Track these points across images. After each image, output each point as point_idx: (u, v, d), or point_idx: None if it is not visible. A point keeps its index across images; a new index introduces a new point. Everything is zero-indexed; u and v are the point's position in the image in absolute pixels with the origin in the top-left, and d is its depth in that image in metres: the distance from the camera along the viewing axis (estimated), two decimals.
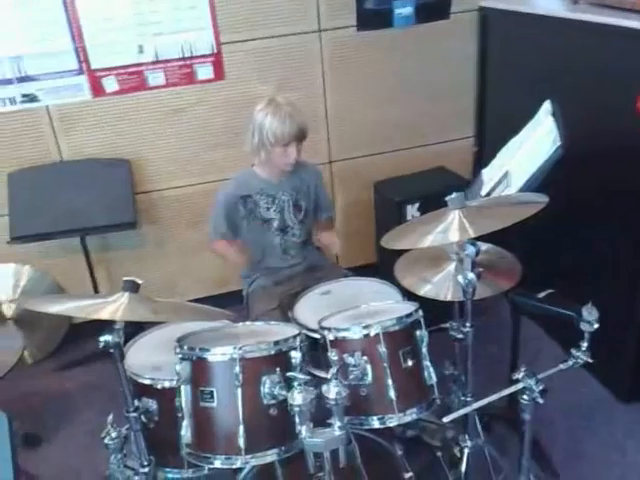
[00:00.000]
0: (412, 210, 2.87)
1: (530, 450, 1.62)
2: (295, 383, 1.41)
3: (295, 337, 1.57)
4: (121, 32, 2.82)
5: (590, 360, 1.53)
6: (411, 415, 1.60)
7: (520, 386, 1.51)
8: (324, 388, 1.40)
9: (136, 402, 1.62)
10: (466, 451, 1.86)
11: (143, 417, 1.65)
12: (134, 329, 1.81)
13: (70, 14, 2.73)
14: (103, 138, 2.98)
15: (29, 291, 3.18)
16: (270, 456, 1.53)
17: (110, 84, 2.91)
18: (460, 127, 3.47)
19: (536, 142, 1.87)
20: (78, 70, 2.84)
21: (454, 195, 1.60)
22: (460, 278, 1.62)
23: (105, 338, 1.50)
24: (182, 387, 1.54)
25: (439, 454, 2.02)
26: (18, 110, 2.84)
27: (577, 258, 2.52)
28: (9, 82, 2.78)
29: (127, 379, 1.56)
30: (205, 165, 3.14)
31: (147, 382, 1.71)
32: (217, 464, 1.52)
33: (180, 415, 1.55)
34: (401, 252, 1.96)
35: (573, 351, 1.54)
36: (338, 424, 1.41)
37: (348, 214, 3.40)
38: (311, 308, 2.06)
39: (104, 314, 1.46)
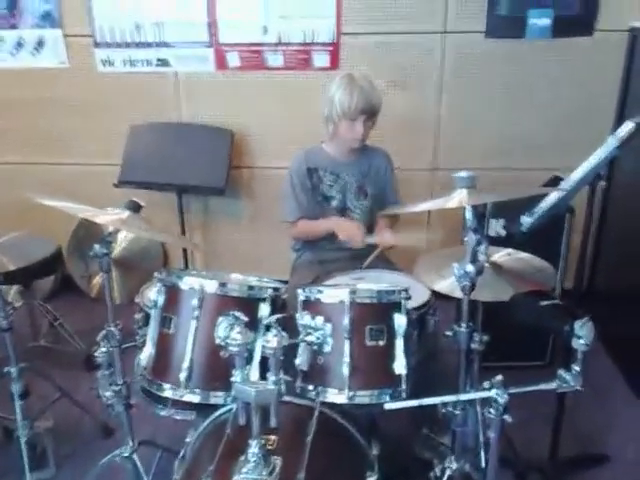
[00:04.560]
0: (496, 225, 2.63)
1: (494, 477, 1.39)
2: (236, 324, 1.37)
3: (269, 289, 1.53)
4: (250, 11, 3.01)
5: (580, 387, 1.28)
6: (363, 398, 1.46)
7: (485, 395, 1.31)
8: (263, 338, 1.34)
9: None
10: (447, 473, 1.65)
11: None
12: None
13: None
14: (218, 108, 3.20)
15: (134, 240, 3.49)
16: (214, 398, 1.50)
17: (233, 59, 3.11)
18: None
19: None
20: (208, 43, 3.09)
21: (463, 174, 1.45)
22: (455, 267, 1.46)
23: (95, 246, 1.60)
24: (152, 311, 1.58)
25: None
26: (152, 72, 3.17)
27: None
28: (149, 45, 3.11)
29: (110, 289, 1.64)
30: None
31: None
32: (167, 393, 1.53)
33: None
34: None
35: (561, 372, 1.30)
36: (272, 378, 1.34)
37: (441, 224, 3.24)
38: None
39: (98, 219, 1.56)
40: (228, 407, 1.66)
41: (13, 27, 3.11)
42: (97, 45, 3.12)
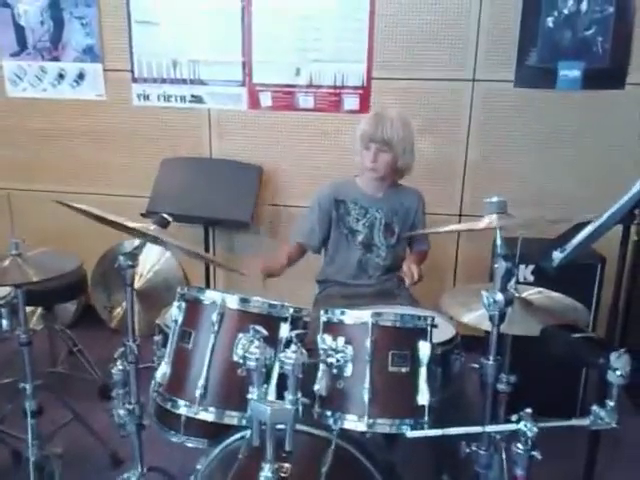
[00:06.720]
0: (525, 272, 2.58)
1: None
2: (256, 339, 1.33)
3: (291, 308, 1.49)
4: (284, 54, 3.10)
5: (615, 424, 1.21)
6: (384, 426, 1.40)
7: (512, 427, 1.24)
8: (282, 354, 1.30)
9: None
10: None
11: None
12: None
13: (245, 31, 3.08)
14: (248, 146, 3.25)
15: (158, 272, 3.51)
16: (229, 418, 1.45)
17: (265, 99, 3.18)
18: None
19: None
20: (241, 82, 3.17)
21: (494, 198, 1.43)
22: (484, 295, 1.41)
23: (120, 258, 1.59)
24: (172, 325, 1.55)
25: None
26: (185, 107, 3.25)
27: None
28: (184, 82, 3.21)
29: (132, 304, 1.62)
30: None
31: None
32: (182, 410, 1.48)
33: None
34: None
35: (595, 408, 1.23)
36: (290, 397, 1.30)
37: (468, 269, 3.20)
38: None
39: (128, 224, 1.57)
40: (240, 434, 1.61)
41: (56, 59, 3.24)
42: (135, 80, 3.22)
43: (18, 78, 3.30)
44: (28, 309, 2.09)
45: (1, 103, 3.40)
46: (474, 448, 1.52)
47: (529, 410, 1.26)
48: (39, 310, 2.98)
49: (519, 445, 1.25)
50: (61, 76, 3.26)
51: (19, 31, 3.23)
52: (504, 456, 1.69)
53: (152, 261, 3.53)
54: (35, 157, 3.46)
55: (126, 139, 3.34)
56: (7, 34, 3.24)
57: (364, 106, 3.11)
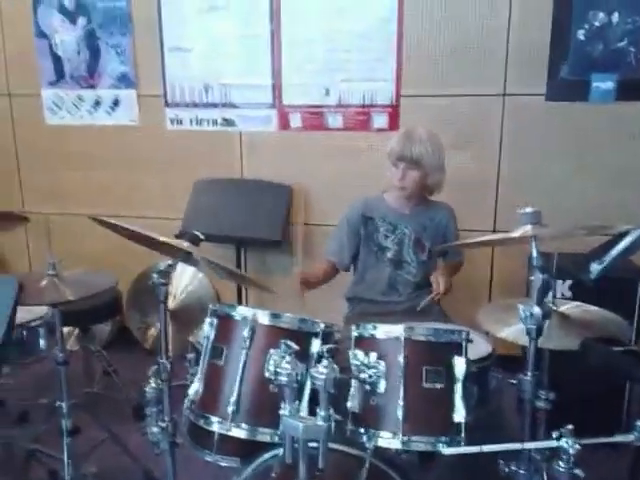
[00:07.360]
0: (562, 288, 2.52)
1: None
2: (287, 354, 1.33)
3: (322, 324, 1.48)
4: (313, 75, 3.13)
5: None
6: (419, 444, 1.36)
7: (554, 444, 1.20)
8: (313, 369, 1.29)
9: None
10: None
11: None
12: None
13: (275, 54, 3.13)
14: (278, 166, 3.27)
15: (191, 292, 3.53)
16: (261, 435, 1.44)
17: (295, 120, 3.21)
18: None
19: None
20: (271, 104, 3.21)
21: (528, 209, 1.41)
22: (520, 308, 1.38)
23: (154, 276, 1.61)
24: (204, 342, 1.56)
25: None
26: (217, 130, 3.30)
27: None
28: (215, 106, 3.26)
29: (165, 321, 1.63)
30: None
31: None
32: (215, 427, 1.47)
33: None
34: None
35: (639, 424, 1.18)
36: (322, 414, 1.28)
37: (503, 285, 3.14)
38: None
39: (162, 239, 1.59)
40: (272, 453, 1.59)
41: (92, 87, 3.35)
42: (167, 104, 3.30)
43: (56, 106, 3.41)
44: (65, 330, 2.13)
45: (40, 131, 3.53)
46: (513, 468, 1.48)
47: (570, 426, 1.21)
48: (76, 332, 3.02)
49: (560, 463, 1.20)
50: (97, 103, 3.36)
51: (57, 61, 3.35)
52: (545, 477, 1.64)
53: (185, 282, 3.55)
54: (72, 182, 3.56)
55: (159, 162, 3.40)
56: (45, 64, 3.36)
57: (393, 124, 3.11)
